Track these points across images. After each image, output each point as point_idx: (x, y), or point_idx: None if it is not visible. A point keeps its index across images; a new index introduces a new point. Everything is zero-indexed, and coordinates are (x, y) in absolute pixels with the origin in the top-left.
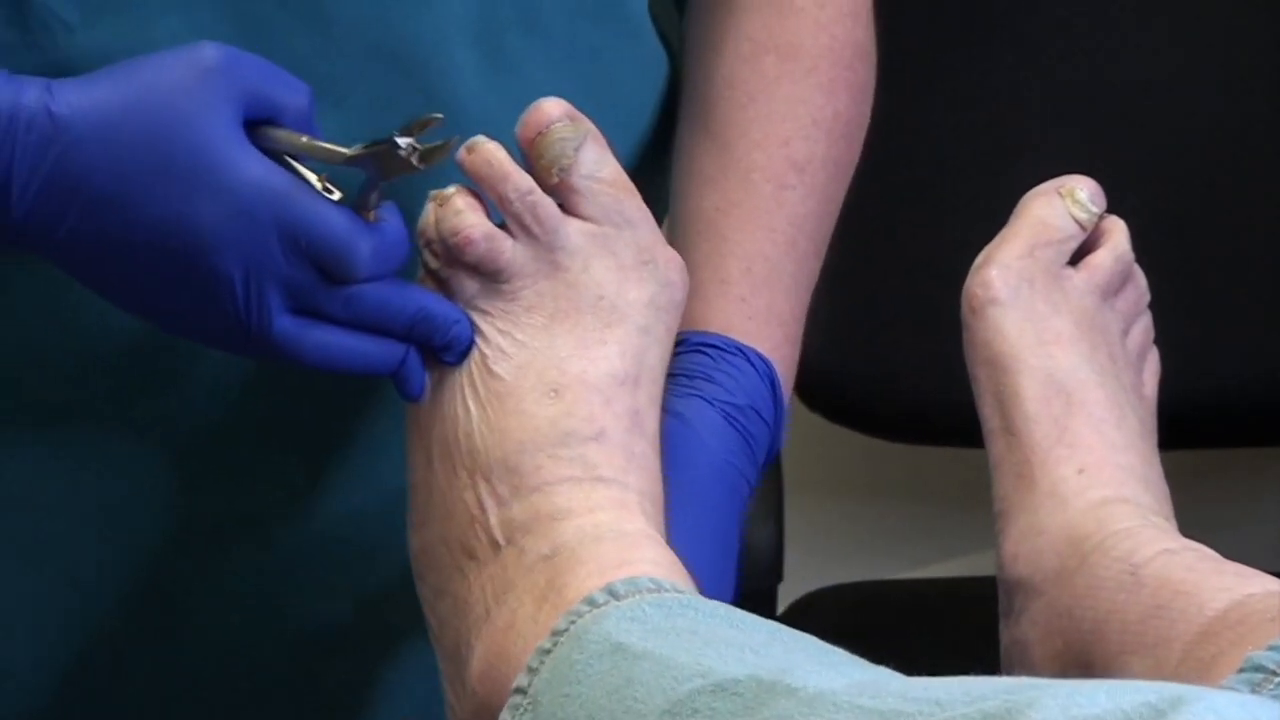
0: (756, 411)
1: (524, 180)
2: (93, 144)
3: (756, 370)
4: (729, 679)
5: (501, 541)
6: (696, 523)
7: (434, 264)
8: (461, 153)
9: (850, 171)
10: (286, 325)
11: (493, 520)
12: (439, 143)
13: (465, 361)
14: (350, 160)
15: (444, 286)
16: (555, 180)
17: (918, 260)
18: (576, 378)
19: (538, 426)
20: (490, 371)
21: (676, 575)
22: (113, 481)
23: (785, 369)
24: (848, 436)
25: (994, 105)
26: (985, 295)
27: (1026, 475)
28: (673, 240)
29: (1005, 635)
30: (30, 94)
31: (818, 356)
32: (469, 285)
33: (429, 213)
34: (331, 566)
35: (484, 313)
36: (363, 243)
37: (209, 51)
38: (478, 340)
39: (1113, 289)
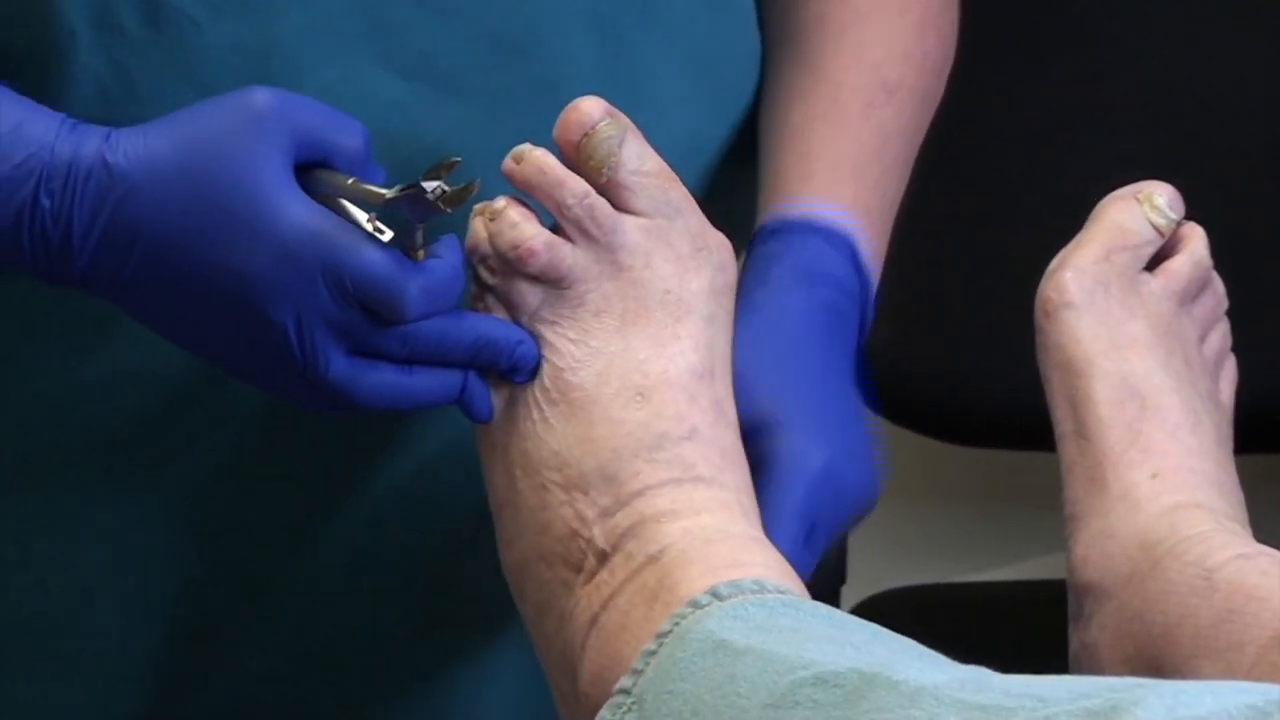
0: (834, 277)
1: (579, 184)
2: (146, 192)
3: (832, 245)
4: (831, 671)
5: (608, 550)
6: (800, 360)
7: (491, 279)
8: (509, 163)
9: (933, 109)
10: (342, 368)
11: (595, 532)
12: (463, 185)
13: (539, 375)
14: (388, 203)
15: (503, 301)
16: (604, 179)
17: (985, 262)
18: (659, 378)
19: (629, 432)
20: (569, 382)
21: (784, 578)
22: (186, 474)
23: (871, 250)
24: (911, 438)
25: (1070, 107)
26: (1059, 299)
27: (1098, 479)
28: (761, 155)
29: (1074, 639)
30: (89, 144)
31: (881, 358)
32: (531, 296)
33: (478, 228)
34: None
35: (552, 323)
36: (410, 284)
37: (260, 96)
38: (549, 352)
39: (1190, 295)
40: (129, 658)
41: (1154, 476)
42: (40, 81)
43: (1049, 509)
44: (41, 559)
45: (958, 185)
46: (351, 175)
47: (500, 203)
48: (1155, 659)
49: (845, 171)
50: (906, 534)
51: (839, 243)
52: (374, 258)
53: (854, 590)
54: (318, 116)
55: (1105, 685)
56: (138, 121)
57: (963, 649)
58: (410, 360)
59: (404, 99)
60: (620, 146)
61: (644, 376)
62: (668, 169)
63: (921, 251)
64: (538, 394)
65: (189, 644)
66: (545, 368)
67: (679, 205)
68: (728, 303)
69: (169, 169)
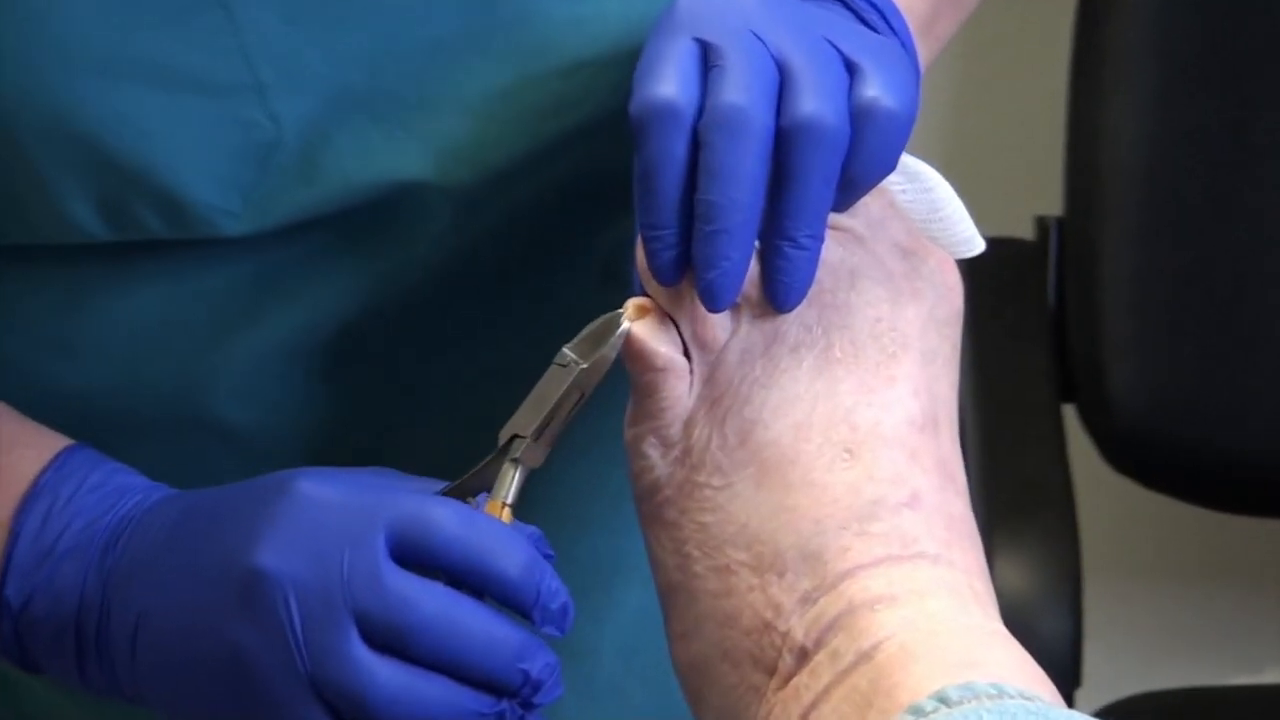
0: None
1: None
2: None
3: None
4: None
5: (809, 646)
6: None
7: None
8: None
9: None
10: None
11: (794, 624)
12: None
13: (720, 429)
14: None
15: (686, 334)
16: None
17: (1260, 328)
18: (870, 430)
19: (836, 498)
20: (760, 438)
21: (1031, 681)
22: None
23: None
24: (1166, 505)
25: None
26: None
27: None
28: None
29: None
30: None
31: (1131, 408)
32: (720, 330)
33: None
34: None
35: (741, 362)
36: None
37: (254, 592)
38: (736, 401)
39: None
40: None
41: None
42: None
43: None
44: None
45: (1223, 245)
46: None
47: None
48: None
49: None
50: (1157, 625)
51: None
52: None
53: (1092, 694)
54: (331, 541)
55: None
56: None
57: None
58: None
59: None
60: None
61: (852, 429)
62: None
63: (1192, 319)
64: (720, 453)
65: None
66: (730, 418)
67: (877, 215)
68: (953, 335)
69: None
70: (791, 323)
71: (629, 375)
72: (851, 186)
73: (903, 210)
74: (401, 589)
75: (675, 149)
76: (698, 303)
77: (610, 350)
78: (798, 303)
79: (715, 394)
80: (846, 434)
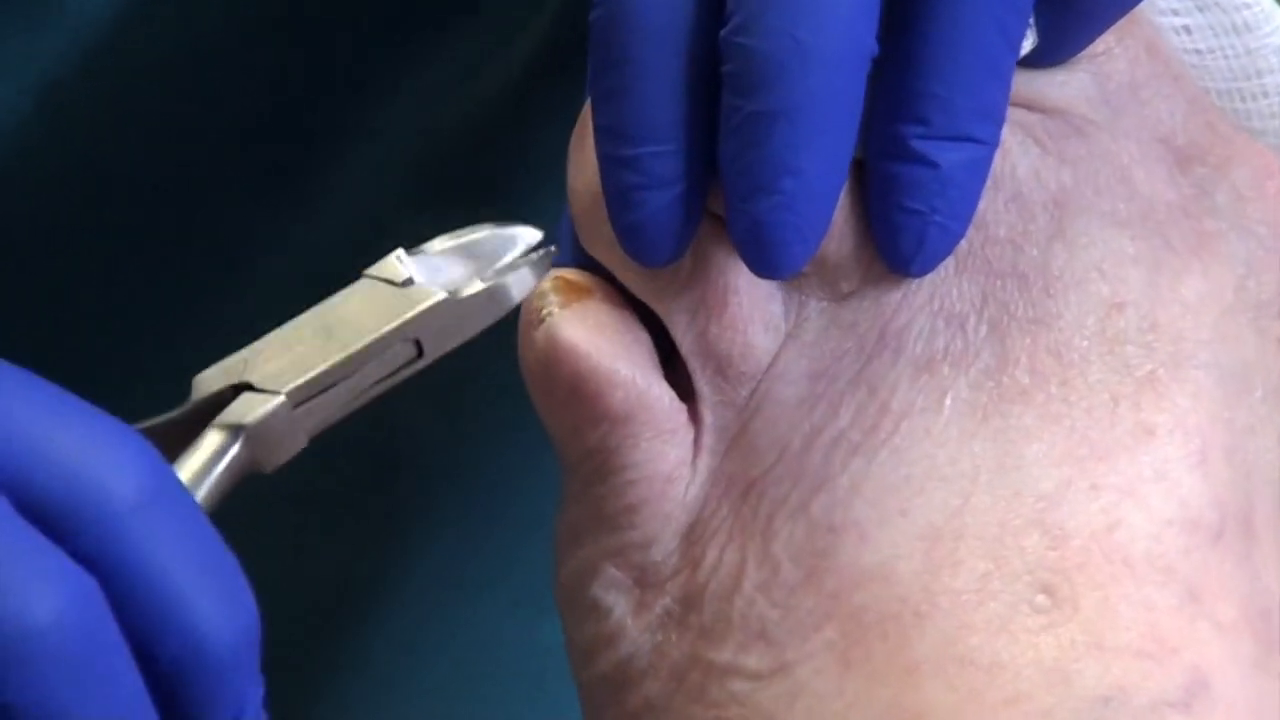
0: None
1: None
2: None
3: None
4: None
5: None
6: None
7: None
8: None
9: None
10: None
11: None
12: None
13: (763, 545)
14: None
15: (698, 349)
16: None
17: None
18: (1095, 544)
19: (1020, 692)
20: (852, 567)
21: None
22: None
23: None
24: None
25: None
26: None
27: None
28: None
29: None
30: None
31: None
32: (763, 336)
33: None
34: None
35: (807, 401)
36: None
37: None
38: (795, 489)
39: None
40: None
41: None
42: None
43: None
44: None
45: None
46: None
47: None
48: None
49: None
50: None
51: None
52: None
53: None
54: None
55: None
56: None
57: None
58: None
59: None
60: None
61: (1054, 541)
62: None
63: None
64: (762, 599)
65: None
66: (786, 527)
67: (1130, 84)
68: None
69: None
70: (918, 309)
71: (553, 437)
72: (1064, 25)
73: (1183, 69)
74: None
75: None
76: (704, 281)
77: (532, 268)
78: (937, 261)
79: (750, 471)
80: (1042, 551)
